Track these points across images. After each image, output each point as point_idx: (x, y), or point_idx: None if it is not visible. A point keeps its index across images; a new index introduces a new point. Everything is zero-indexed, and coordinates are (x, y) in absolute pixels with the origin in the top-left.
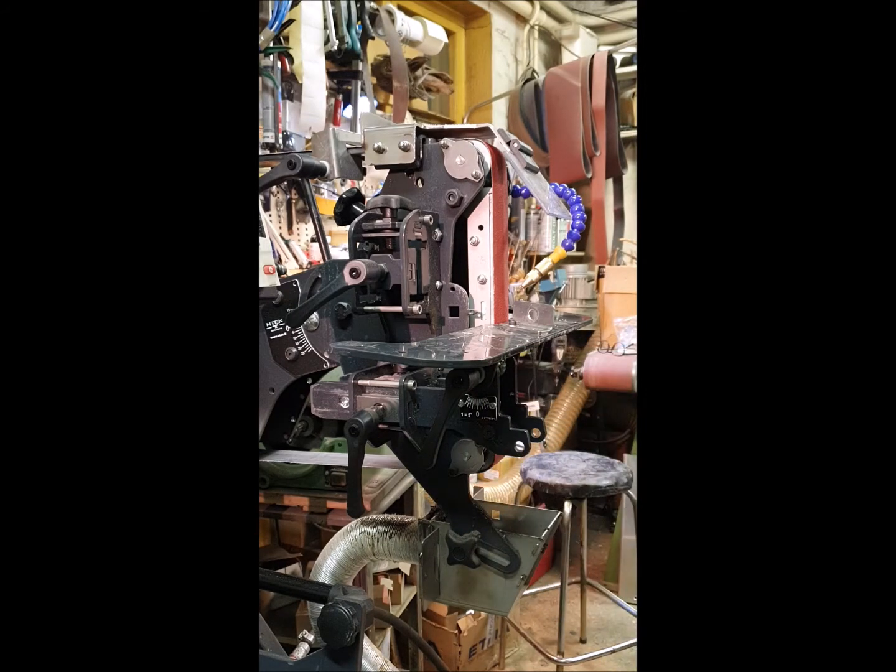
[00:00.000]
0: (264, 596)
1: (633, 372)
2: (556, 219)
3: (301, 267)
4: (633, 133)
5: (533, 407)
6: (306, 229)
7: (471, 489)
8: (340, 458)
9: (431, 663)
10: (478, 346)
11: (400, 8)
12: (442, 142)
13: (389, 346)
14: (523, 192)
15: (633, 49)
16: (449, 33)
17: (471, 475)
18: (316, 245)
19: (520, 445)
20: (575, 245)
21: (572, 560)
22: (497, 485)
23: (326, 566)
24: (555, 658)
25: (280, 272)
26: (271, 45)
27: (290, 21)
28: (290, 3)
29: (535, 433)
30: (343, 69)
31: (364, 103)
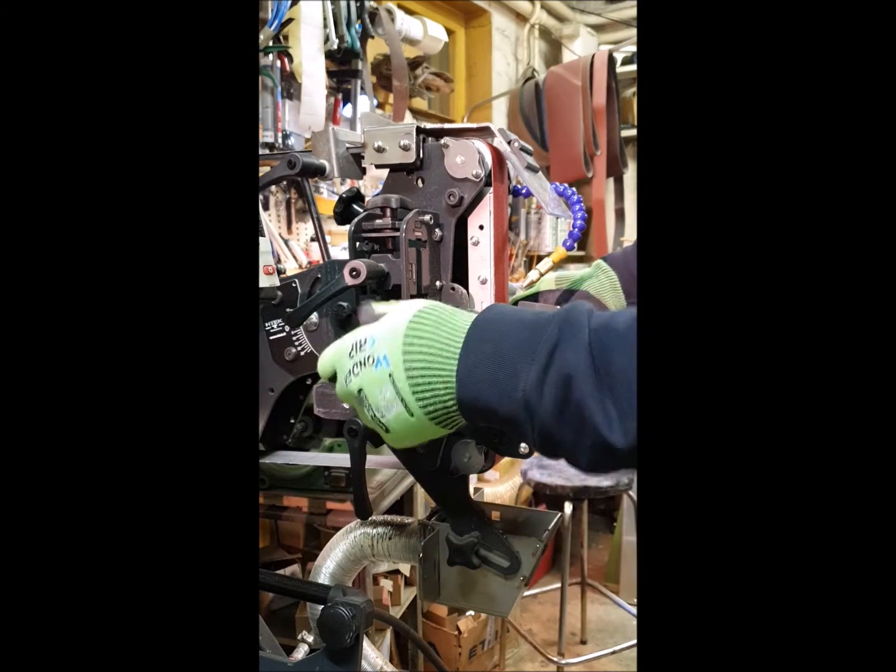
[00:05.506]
0: (264, 597)
1: None
2: (557, 218)
3: (300, 267)
4: (634, 132)
5: None
6: (306, 229)
7: (471, 490)
8: (340, 459)
9: (431, 664)
10: None
11: (400, 7)
12: (442, 141)
13: None
14: (524, 191)
15: (634, 48)
16: (449, 32)
17: (471, 476)
18: (315, 245)
19: (523, 447)
20: (576, 245)
21: (573, 561)
22: (497, 485)
23: (326, 567)
24: (555, 659)
25: (279, 272)
26: (271, 44)
27: (290, 20)
28: (290, 1)
29: None
30: (343, 68)
31: (364, 102)
